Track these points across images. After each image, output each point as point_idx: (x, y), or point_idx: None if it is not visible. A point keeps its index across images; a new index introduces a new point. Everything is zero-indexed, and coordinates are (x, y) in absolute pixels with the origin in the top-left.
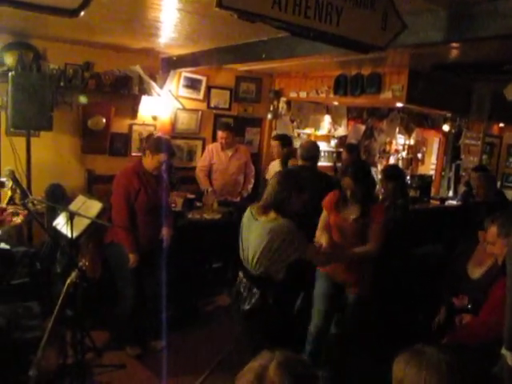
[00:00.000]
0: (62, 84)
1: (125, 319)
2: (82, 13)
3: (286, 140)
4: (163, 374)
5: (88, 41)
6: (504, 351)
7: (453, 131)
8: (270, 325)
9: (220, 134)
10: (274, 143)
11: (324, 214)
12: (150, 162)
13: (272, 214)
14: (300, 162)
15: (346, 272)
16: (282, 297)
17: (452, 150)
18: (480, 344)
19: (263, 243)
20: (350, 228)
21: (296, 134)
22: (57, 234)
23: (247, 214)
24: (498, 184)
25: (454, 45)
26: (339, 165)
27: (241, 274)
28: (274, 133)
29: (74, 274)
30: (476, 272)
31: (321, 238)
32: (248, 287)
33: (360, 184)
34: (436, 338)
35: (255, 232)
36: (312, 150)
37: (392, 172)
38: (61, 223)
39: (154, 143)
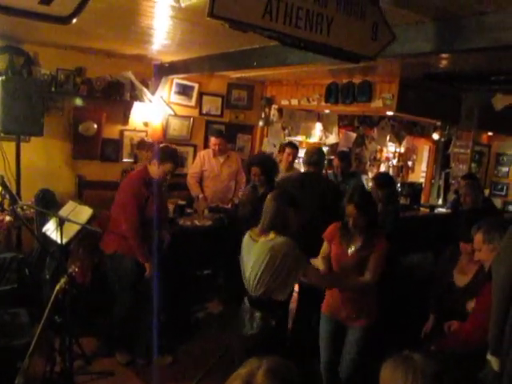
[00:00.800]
0: (53, 89)
1: (117, 326)
2: (75, 20)
3: (297, 149)
4: (153, 382)
5: (80, 46)
6: (489, 356)
7: (442, 140)
8: (272, 348)
9: (213, 140)
10: (290, 150)
11: (324, 245)
12: (156, 170)
13: (271, 235)
14: (304, 168)
15: (346, 306)
16: (283, 317)
17: (442, 158)
18: (468, 350)
19: (264, 262)
20: (350, 261)
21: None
22: (46, 239)
23: (246, 238)
24: (487, 192)
25: (444, 55)
26: (330, 172)
27: (245, 299)
28: (265, 140)
29: (62, 280)
30: (462, 280)
31: (318, 263)
32: (250, 311)
33: (364, 214)
34: (425, 344)
35: (255, 253)
36: (316, 156)
37: (383, 180)
38: (50, 229)
39: (161, 152)
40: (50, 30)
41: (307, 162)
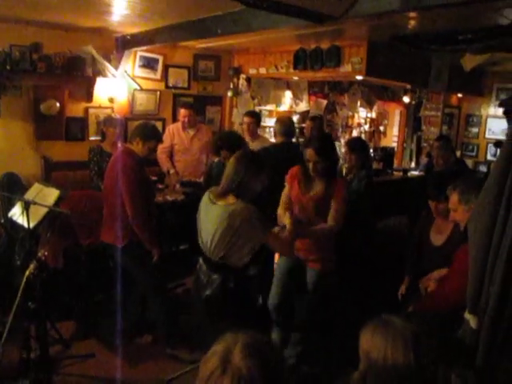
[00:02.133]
0: (8, 67)
1: (167, 321)
2: None
3: (259, 118)
4: (135, 360)
5: (34, 20)
6: (467, 315)
7: (413, 103)
8: (232, 309)
9: (182, 112)
10: (248, 120)
11: (286, 189)
12: (141, 149)
13: (231, 198)
14: (278, 139)
15: (306, 249)
16: (244, 281)
17: (413, 122)
18: (446, 310)
19: (222, 227)
20: (311, 204)
21: (258, 111)
22: (14, 225)
23: (205, 198)
24: (459, 154)
25: (411, 15)
26: (301, 140)
27: (200, 260)
28: (235, 111)
29: (32, 266)
30: (438, 239)
31: (283, 217)
32: (207, 273)
33: (324, 158)
34: (402, 307)
35: (213, 216)
36: (289, 126)
37: (356, 144)
38: (17, 214)
39: (143, 130)
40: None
41: (281, 132)
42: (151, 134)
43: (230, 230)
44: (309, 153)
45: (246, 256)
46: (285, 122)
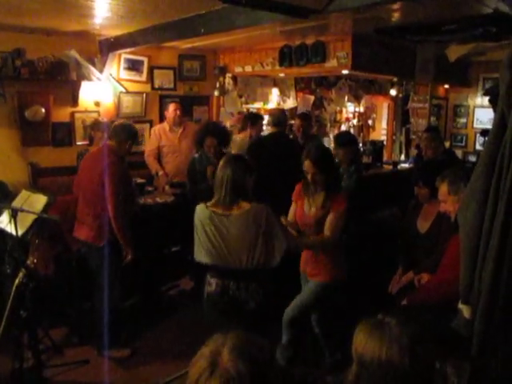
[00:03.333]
0: None
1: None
2: None
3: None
4: (129, 365)
5: (15, 25)
6: (460, 305)
7: (400, 95)
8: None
9: (172, 106)
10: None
11: (292, 206)
12: (119, 148)
13: (244, 204)
14: (270, 129)
15: (309, 264)
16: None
17: (401, 115)
18: (439, 302)
19: (251, 232)
20: (310, 219)
21: (245, 110)
22: (2, 233)
23: (203, 213)
24: (448, 144)
25: (395, 6)
26: (291, 136)
27: (218, 282)
28: (222, 110)
29: (20, 275)
30: (424, 226)
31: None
32: (243, 286)
33: (321, 169)
34: (396, 299)
35: (235, 227)
36: (279, 117)
37: (344, 138)
38: (4, 222)
39: (120, 130)
40: None
41: (271, 123)
42: (126, 135)
43: (259, 231)
44: (306, 164)
45: (278, 252)
46: (274, 114)
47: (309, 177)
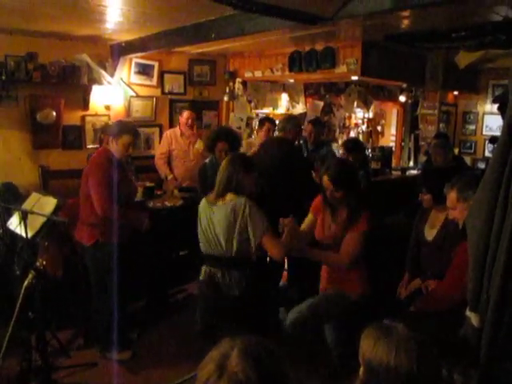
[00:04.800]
0: (3, 78)
1: (109, 324)
2: None
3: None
4: (136, 368)
5: (29, 30)
6: (468, 313)
7: (410, 102)
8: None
9: (186, 114)
10: (269, 126)
11: (308, 217)
12: (115, 147)
13: (229, 196)
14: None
15: (326, 278)
16: (259, 278)
17: (410, 121)
18: (447, 308)
19: (229, 222)
20: (329, 236)
21: (254, 115)
22: (12, 235)
23: (203, 205)
24: (456, 151)
25: (404, 14)
26: (301, 142)
27: (207, 269)
28: (231, 115)
29: (30, 276)
30: (431, 233)
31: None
32: (227, 274)
33: (340, 186)
34: (404, 305)
35: (218, 216)
36: (283, 122)
37: (352, 145)
38: (15, 223)
39: (114, 127)
40: None
41: (278, 129)
42: (120, 129)
43: (237, 222)
44: (324, 180)
45: (255, 249)
46: (283, 119)
47: (328, 193)
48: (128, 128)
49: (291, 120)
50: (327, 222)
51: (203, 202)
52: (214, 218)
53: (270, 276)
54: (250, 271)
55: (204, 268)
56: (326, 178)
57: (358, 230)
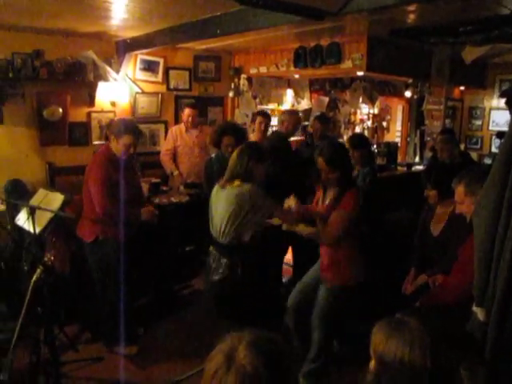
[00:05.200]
0: (10, 75)
1: (112, 319)
2: None
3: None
4: (143, 363)
5: (35, 27)
6: (475, 308)
7: (415, 97)
8: (239, 296)
9: (187, 111)
10: (261, 119)
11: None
12: (116, 146)
13: (236, 182)
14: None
15: (323, 255)
16: (252, 266)
17: (416, 116)
18: (454, 302)
19: (231, 209)
20: (323, 212)
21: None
22: (21, 230)
23: (216, 187)
24: (463, 147)
25: (410, 8)
26: (307, 137)
27: (211, 248)
28: (237, 111)
29: (38, 271)
30: (437, 228)
31: (291, 202)
32: (217, 258)
33: (334, 167)
34: (410, 300)
35: (223, 200)
36: (280, 116)
37: (358, 140)
38: (22, 219)
39: (115, 126)
40: (0, 10)
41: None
42: (122, 129)
43: (239, 210)
44: (319, 162)
45: (250, 230)
46: (281, 113)
47: (322, 174)
48: (130, 128)
49: (286, 114)
50: (321, 200)
51: (216, 186)
52: (220, 200)
53: (265, 267)
54: (238, 262)
55: (211, 247)
56: (320, 160)
57: (345, 207)
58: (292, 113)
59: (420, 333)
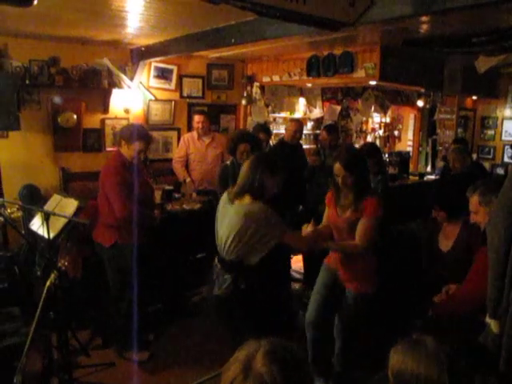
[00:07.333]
0: (27, 82)
1: (125, 325)
2: (36, 1)
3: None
4: (154, 369)
5: (52, 35)
6: (488, 319)
7: (427, 106)
8: (243, 312)
9: (196, 118)
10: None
11: (326, 211)
12: (127, 152)
13: (247, 198)
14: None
15: (340, 267)
16: (256, 283)
17: (428, 126)
18: (466, 312)
19: (237, 227)
20: (342, 223)
21: (272, 119)
22: (35, 236)
23: (224, 197)
24: (474, 156)
25: (424, 19)
26: (319, 146)
27: (216, 260)
28: (249, 119)
29: (52, 276)
30: (445, 245)
31: (309, 228)
32: (221, 273)
33: (352, 172)
34: (422, 309)
35: (230, 216)
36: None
37: (368, 149)
38: (36, 224)
39: (127, 132)
40: (18, 18)
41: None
42: (133, 135)
43: (245, 230)
44: (336, 167)
45: (259, 253)
46: None
47: (339, 180)
48: (141, 135)
49: (288, 121)
50: (340, 209)
51: (224, 196)
52: (227, 215)
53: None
54: (241, 278)
55: (216, 258)
56: (337, 165)
57: (372, 214)
58: (292, 120)
59: (436, 350)
